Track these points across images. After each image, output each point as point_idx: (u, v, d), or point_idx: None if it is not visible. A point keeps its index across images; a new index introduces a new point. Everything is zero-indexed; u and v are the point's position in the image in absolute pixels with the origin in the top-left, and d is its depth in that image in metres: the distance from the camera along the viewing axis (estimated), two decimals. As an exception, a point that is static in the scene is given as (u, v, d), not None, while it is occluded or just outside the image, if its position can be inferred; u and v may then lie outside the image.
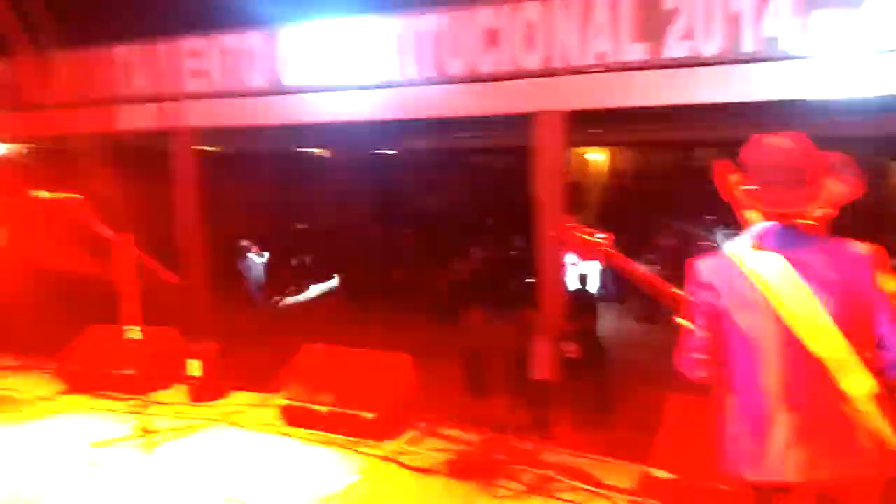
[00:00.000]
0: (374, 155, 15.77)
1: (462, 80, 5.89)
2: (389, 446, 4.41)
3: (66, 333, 6.03)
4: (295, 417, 4.74)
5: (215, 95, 7.47)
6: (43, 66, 7.86)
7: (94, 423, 4.95)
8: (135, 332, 4.74)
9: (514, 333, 5.78)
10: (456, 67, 5.87)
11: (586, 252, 2.30)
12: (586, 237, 2.31)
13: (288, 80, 7.03)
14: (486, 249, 11.42)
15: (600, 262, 2.34)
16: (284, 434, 4.66)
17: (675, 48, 4.95)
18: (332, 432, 4.58)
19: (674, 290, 2.24)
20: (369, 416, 4.45)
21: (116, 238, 4.34)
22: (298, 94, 7.13)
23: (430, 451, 4.32)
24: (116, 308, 4.59)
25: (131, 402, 4.94)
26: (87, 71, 8.01)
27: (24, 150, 10.77)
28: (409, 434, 4.57)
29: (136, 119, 7.93)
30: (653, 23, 5.01)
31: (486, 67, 5.68)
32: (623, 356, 7.05)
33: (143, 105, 7.82)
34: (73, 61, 7.89)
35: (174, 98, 7.66)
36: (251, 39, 7.15)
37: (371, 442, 4.44)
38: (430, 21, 6.01)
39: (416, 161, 15.34)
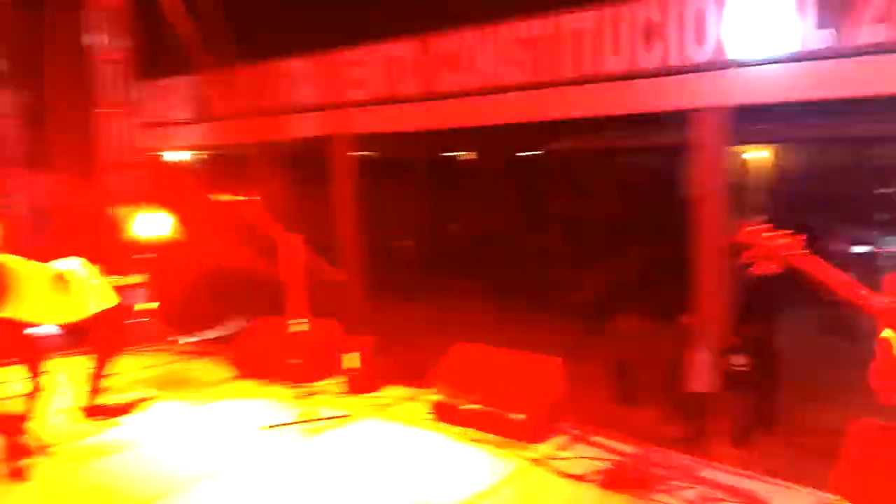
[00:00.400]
0: (520, 157, 15.72)
1: (618, 77, 5.72)
2: (540, 449, 4.33)
3: (243, 324, 6.52)
4: (445, 414, 4.79)
5: (373, 102, 7.78)
6: (225, 81, 8.51)
7: (262, 407, 5.29)
8: (300, 325, 5.02)
9: (669, 341, 5.49)
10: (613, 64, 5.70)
11: (772, 256, 2.08)
12: (773, 240, 2.09)
13: (441, 86, 7.18)
14: (638, 252, 10.99)
15: (788, 266, 2.11)
16: (435, 430, 4.72)
17: (861, 34, 4.48)
18: (481, 431, 4.58)
19: (879, 300, 1.98)
20: (519, 417, 4.40)
21: (286, 237, 4.61)
22: (449, 99, 7.26)
23: (581, 458, 4.19)
24: (283, 302, 4.88)
25: (295, 390, 5.25)
26: (262, 83, 8.63)
27: (206, 157, 11.78)
28: (559, 439, 4.46)
29: (303, 127, 8.43)
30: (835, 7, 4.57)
31: (646, 63, 5.46)
32: (800, 371, 6.46)
33: (308, 113, 8.31)
34: (250, 75, 8.52)
35: (336, 106, 8.07)
36: (406, 48, 7.38)
37: (520, 444, 4.38)
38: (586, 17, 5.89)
39: (564, 162, 15.09)
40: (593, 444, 4.39)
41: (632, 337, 6.25)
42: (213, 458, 4.39)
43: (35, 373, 4.17)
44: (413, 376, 5.64)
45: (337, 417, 4.92)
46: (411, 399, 5.26)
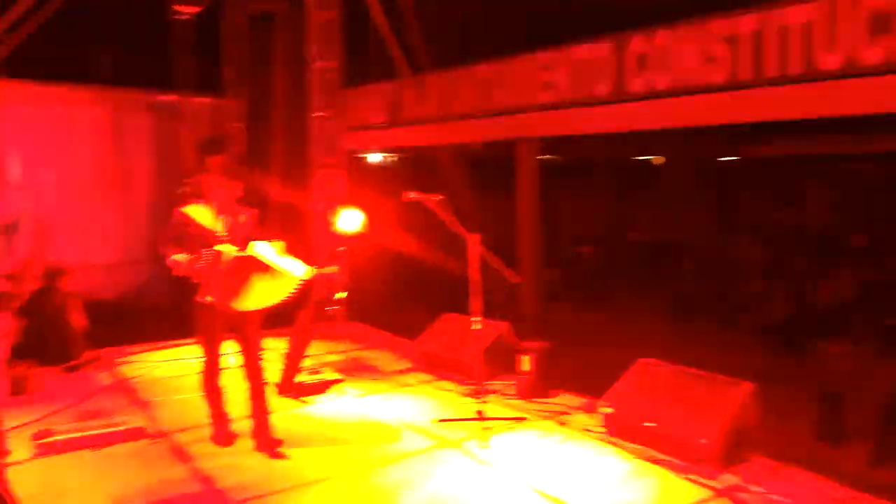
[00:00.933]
0: (712, 162, 14.67)
1: (834, 76, 5.08)
2: (723, 479, 3.96)
3: (419, 318, 6.72)
4: (619, 428, 4.55)
5: (562, 105, 7.63)
6: (418, 87, 8.84)
7: (436, 401, 5.38)
8: (478, 324, 5.05)
9: (889, 373, 4.77)
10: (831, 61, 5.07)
11: None
12: None
13: (632, 88, 6.86)
14: (855, 271, 9.73)
15: None
16: (606, 443, 4.51)
17: None
18: (657, 451, 4.29)
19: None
20: (702, 441, 4.06)
21: (468, 236, 4.64)
22: (642, 101, 6.91)
23: (772, 494, 3.76)
24: (463, 300, 4.92)
25: (469, 388, 5.28)
26: (452, 88, 8.84)
27: (396, 158, 12.33)
28: (746, 471, 4.05)
29: (490, 131, 8.49)
30: None
31: (868, 59, 4.80)
32: None
33: (496, 117, 8.35)
34: (441, 80, 8.77)
35: (523, 110, 8.03)
36: (599, 49, 7.15)
37: (701, 470, 4.04)
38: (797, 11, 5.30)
39: (765, 168, 13.84)
40: (787, 481, 3.93)
41: (843, 365, 5.52)
42: (387, 446, 4.54)
43: (253, 353, 4.46)
44: (586, 386, 5.45)
45: (511, 419, 4.87)
46: (583, 409, 5.07)
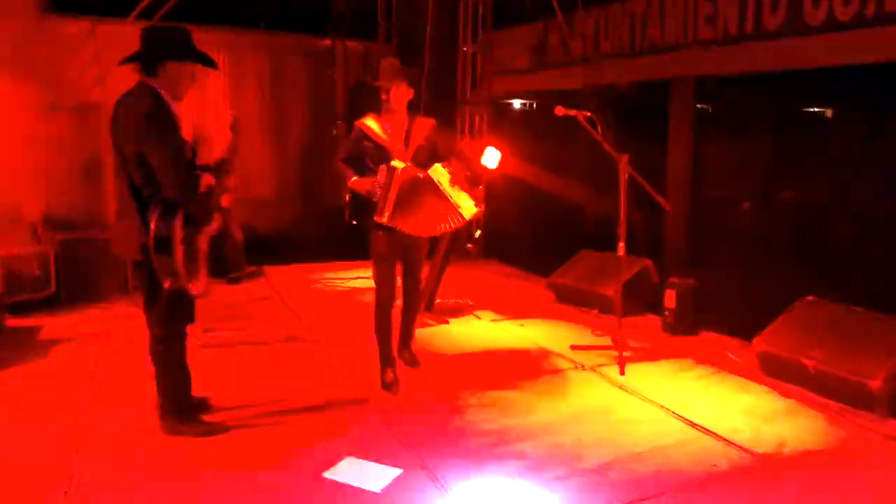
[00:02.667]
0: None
1: None
2: (891, 425, 3.57)
3: (556, 259, 6.60)
4: (775, 368, 4.22)
5: (726, 41, 7.05)
6: (566, 25, 8.51)
7: (572, 331, 5.27)
8: (618, 259, 4.86)
9: None
10: None
11: None
12: None
13: (812, 19, 6.15)
14: None
15: None
16: (758, 382, 4.20)
17: None
18: (818, 393, 3.94)
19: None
20: (871, 383, 3.66)
21: (618, 157, 4.43)
22: (823, 34, 6.18)
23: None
24: (599, 241, 4.70)
25: (607, 321, 5.12)
26: (603, 27, 8.43)
27: (541, 102, 12.02)
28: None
29: (641, 70, 8.03)
30: None
31: None
32: None
33: (651, 56, 7.87)
34: (591, 18, 8.38)
35: (683, 46, 7.50)
36: None
37: (868, 415, 3.67)
38: None
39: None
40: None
41: None
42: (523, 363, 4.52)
43: (417, 274, 4.40)
44: (735, 327, 5.11)
45: (648, 353, 4.67)
46: (731, 349, 4.75)
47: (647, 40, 7.90)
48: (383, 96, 3.91)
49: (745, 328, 5.04)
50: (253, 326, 4.95)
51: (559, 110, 4.34)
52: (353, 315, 5.44)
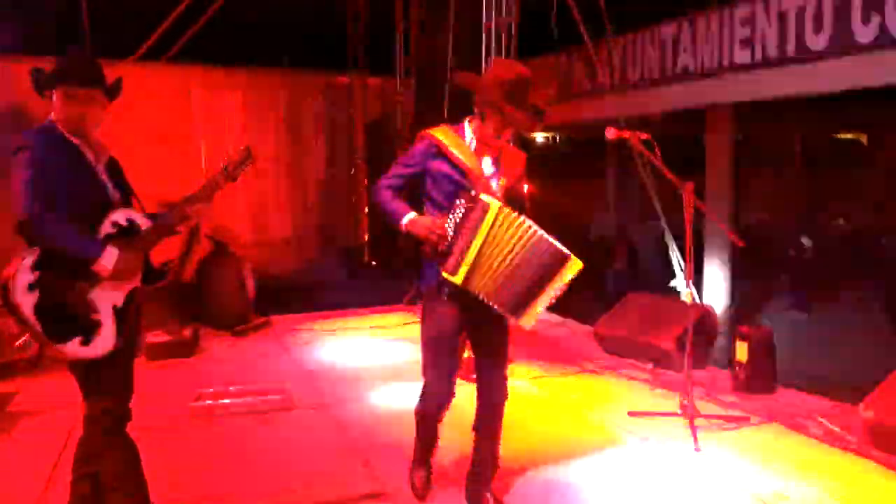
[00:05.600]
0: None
1: None
2: None
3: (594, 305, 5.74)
4: (885, 439, 3.29)
5: (766, 65, 6.28)
6: (589, 56, 7.85)
7: (626, 391, 4.37)
8: (689, 295, 4.01)
9: None
10: None
11: None
12: None
13: (858, 38, 5.38)
14: None
15: None
16: (864, 456, 3.27)
17: None
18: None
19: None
20: None
21: (682, 185, 3.60)
22: (870, 53, 5.39)
23: None
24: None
25: (667, 377, 4.23)
26: (631, 55, 7.74)
27: (569, 137, 11.33)
28: None
29: (674, 99, 7.28)
30: None
31: None
32: None
33: (683, 84, 7.13)
34: (618, 46, 7.69)
35: (718, 72, 6.75)
36: None
37: None
38: None
39: None
40: None
41: None
42: (574, 438, 3.62)
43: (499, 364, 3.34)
44: (816, 383, 4.21)
45: (727, 419, 3.76)
46: (820, 411, 3.82)
47: (678, 66, 7.17)
48: (482, 110, 2.59)
49: (824, 382, 4.20)
50: (253, 392, 4.10)
51: (611, 132, 3.52)
52: (369, 376, 4.61)
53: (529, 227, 2.45)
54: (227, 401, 3.99)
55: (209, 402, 3.97)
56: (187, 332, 5.08)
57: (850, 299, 8.33)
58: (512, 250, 2.45)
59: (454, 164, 2.59)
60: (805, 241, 10.03)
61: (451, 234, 2.48)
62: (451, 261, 2.49)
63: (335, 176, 9.84)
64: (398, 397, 4.15)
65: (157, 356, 4.89)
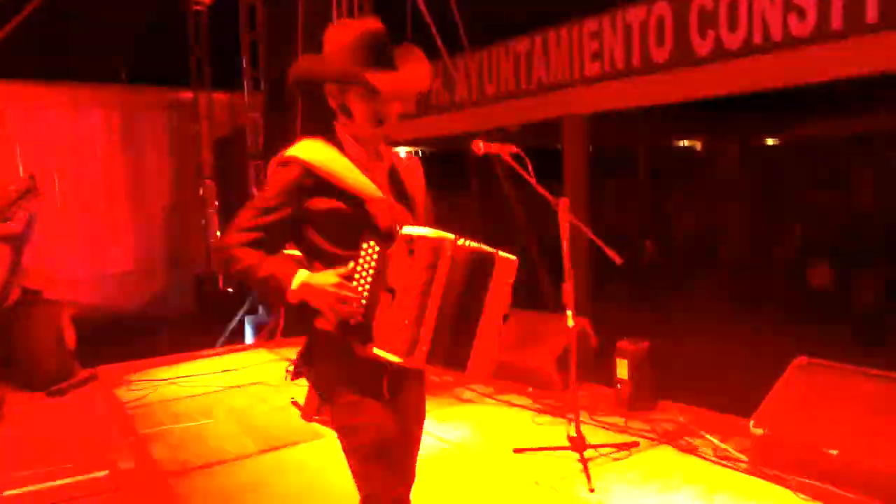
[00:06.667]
0: (753, 145, 13.10)
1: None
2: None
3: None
4: (778, 457, 3.09)
5: (614, 76, 6.27)
6: (448, 70, 7.59)
7: (506, 421, 3.95)
8: (571, 318, 3.64)
9: None
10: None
11: None
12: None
13: (700, 50, 5.47)
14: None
15: None
16: (757, 475, 3.05)
17: None
18: (840, 488, 2.83)
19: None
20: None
21: (556, 201, 3.23)
22: (712, 63, 5.49)
23: None
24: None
25: (546, 403, 3.85)
26: (486, 69, 7.57)
27: (423, 153, 11.03)
28: None
29: (529, 111, 7.17)
30: None
31: None
32: None
33: (538, 96, 7.03)
34: (474, 61, 7.48)
35: (571, 84, 6.70)
36: (655, 9, 5.78)
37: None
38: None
39: (809, 150, 12.26)
40: None
41: None
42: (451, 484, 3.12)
43: None
44: (694, 394, 4.03)
45: (617, 447, 3.42)
46: (706, 427, 3.61)
47: (533, 80, 7.09)
48: (339, 100, 1.80)
49: (699, 392, 4.01)
50: (66, 472, 3.20)
51: (478, 145, 3.07)
52: (220, 438, 3.84)
53: (481, 249, 1.76)
54: (30, 487, 3.07)
55: (9, 493, 3.04)
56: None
57: (698, 299, 8.65)
58: (464, 290, 1.72)
59: (345, 194, 1.74)
60: (650, 244, 10.36)
61: (367, 294, 1.67)
62: (400, 338, 1.64)
63: (182, 199, 8.82)
64: (264, 468, 3.44)
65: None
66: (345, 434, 1.77)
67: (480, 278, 1.74)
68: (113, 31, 8.63)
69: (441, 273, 1.67)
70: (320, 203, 1.73)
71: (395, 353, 1.65)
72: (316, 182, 1.73)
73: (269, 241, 1.72)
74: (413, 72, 1.79)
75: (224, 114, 9.00)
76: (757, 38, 5.01)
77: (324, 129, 1.86)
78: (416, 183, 1.91)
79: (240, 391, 4.64)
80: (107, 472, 3.19)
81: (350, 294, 1.66)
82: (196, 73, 8.72)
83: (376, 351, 1.66)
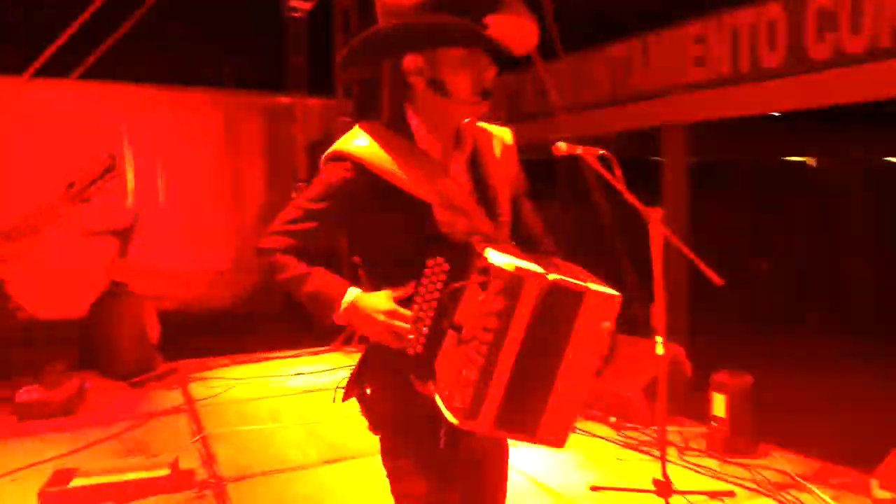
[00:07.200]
0: (875, 163, 11.88)
1: None
2: None
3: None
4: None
5: (719, 83, 5.77)
6: (540, 75, 7.30)
7: (585, 453, 3.59)
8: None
9: None
10: None
11: None
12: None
13: (817, 54, 4.91)
14: None
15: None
16: (885, 548, 2.55)
17: None
18: None
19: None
20: None
21: (648, 211, 2.87)
22: (830, 69, 4.90)
23: None
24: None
25: (631, 436, 3.47)
26: (581, 74, 7.23)
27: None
28: None
29: (630, 119, 6.75)
30: None
31: None
32: None
33: (636, 104, 6.61)
34: (568, 66, 7.14)
35: (672, 91, 6.24)
36: (765, 11, 5.27)
37: None
38: None
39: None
40: None
41: None
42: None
43: None
44: (804, 440, 3.51)
45: (716, 494, 3.00)
46: (816, 480, 3.11)
47: (630, 87, 6.69)
48: (430, 74, 1.45)
49: (810, 438, 3.50)
50: (135, 467, 3.18)
51: (560, 146, 2.77)
52: (287, 443, 3.73)
53: (568, 284, 1.32)
54: (93, 480, 3.05)
55: (75, 482, 3.03)
56: (69, 386, 4.11)
57: (812, 329, 7.80)
58: (545, 336, 1.31)
59: (407, 198, 1.42)
60: (763, 263, 9.51)
61: (428, 329, 1.34)
62: (462, 394, 1.29)
63: (277, 200, 8.99)
64: (323, 481, 3.28)
65: (28, 416, 3.92)
66: (389, 477, 1.51)
67: (565, 321, 1.33)
68: (217, 36, 8.98)
69: (520, 318, 1.27)
70: (375, 208, 1.43)
71: (453, 411, 1.29)
72: (371, 182, 1.42)
73: (312, 249, 1.45)
74: (513, 22, 1.43)
75: (317, 118, 9.15)
76: (885, 42, 4.43)
77: (394, 115, 1.54)
78: (503, 173, 1.55)
79: (310, 396, 4.53)
80: (168, 471, 3.12)
81: (404, 326, 1.35)
82: (293, 79, 8.89)
83: (437, 400, 1.33)
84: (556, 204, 10.72)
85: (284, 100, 8.99)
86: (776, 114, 7.40)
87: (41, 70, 5.85)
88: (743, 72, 5.51)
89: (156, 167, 8.10)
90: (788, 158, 12.37)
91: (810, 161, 12.41)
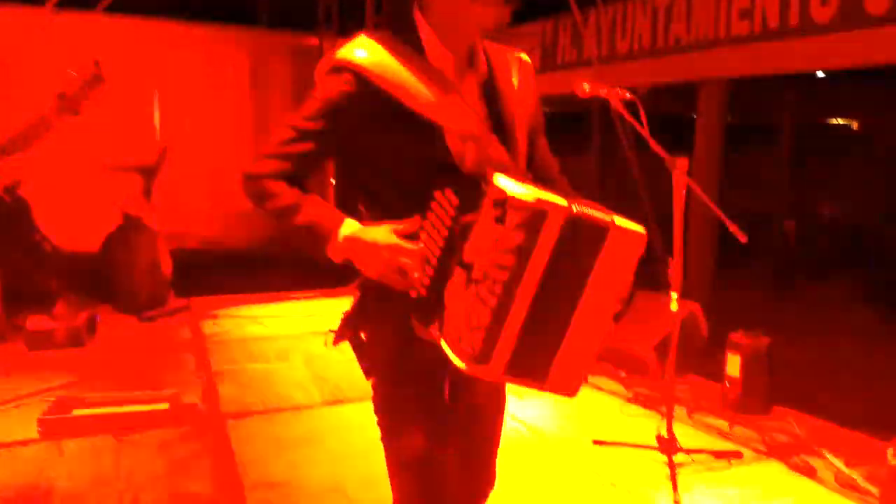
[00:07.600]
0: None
1: None
2: None
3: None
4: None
5: (765, 37, 5.40)
6: (577, 24, 6.96)
7: (591, 407, 3.51)
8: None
9: None
10: None
11: None
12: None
13: (874, 8, 4.51)
14: None
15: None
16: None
17: None
18: None
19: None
20: None
21: (673, 160, 2.70)
22: (888, 25, 4.51)
23: None
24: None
25: (640, 392, 3.38)
26: (620, 24, 6.86)
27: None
28: None
29: (666, 72, 6.40)
30: None
31: None
32: None
33: (676, 55, 6.25)
34: (606, 15, 6.79)
35: (712, 45, 5.88)
36: None
37: None
38: None
39: None
40: None
41: None
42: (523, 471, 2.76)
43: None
44: (819, 403, 3.38)
45: (716, 455, 2.90)
46: (829, 446, 2.98)
47: (671, 38, 6.31)
48: None
49: (824, 402, 3.38)
50: (136, 399, 3.18)
51: (583, 86, 2.59)
52: (289, 384, 3.71)
53: (593, 218, 1.18)
54: (92, 410, 3.07)
55: (75, 412, 3.06)
56: (80, 318, 4.14)
57: (835, 293, 7.55)
58: (565, 275, 1.17)
59: (415, 118, 1.27)
60: (791, 225, 9.18)
61: (435, 265, 1.22)
62: (472, 338, 1.16)
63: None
64: (324, 422, 3.26)
65: (38, 345, 3.97)
66: (382, 431, 1.39)
67: (586, 257, 1.18)
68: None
69: (540, 255, 1.13)
70: (378, 129, 1.27)
71: (461, 356, 1.17)
72: (373, 98, 1.25)
73: (299, 174, 1.28)
74: None
75: (346, 60, 8.98)
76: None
77: (401, 23, 1.34)
78: (521, 102, 1.39)
79: (319, 338, 4.52)
80: (167, 405, 3.13)
81: (409, 261, 1.21)
82: (324, 19, 8.68)
83: (443, 345, 1.21)
84: (591, 158, 10.46)
85: (313, 41, 8.79)
86: (820, 73, 6.99)
87: (65, 1, 5.76)
88: (791, 25, 5.15)
89: (184, 105, 8.06)
90: (830, 121, 11.81)
91: (852, 124, 11.83)
